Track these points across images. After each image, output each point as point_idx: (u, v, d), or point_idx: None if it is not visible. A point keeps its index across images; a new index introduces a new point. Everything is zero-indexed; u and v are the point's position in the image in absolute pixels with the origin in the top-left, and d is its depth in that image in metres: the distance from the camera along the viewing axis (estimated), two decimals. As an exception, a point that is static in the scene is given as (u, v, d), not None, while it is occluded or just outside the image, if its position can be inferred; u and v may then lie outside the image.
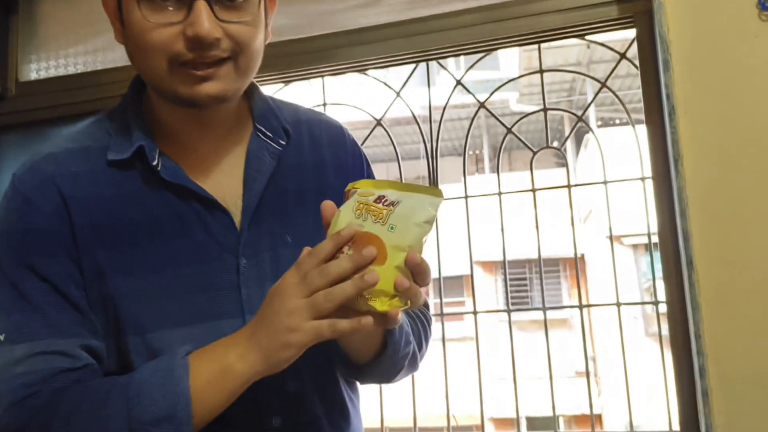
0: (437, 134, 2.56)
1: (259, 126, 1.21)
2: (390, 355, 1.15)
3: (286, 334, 0.95)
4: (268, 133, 1.21)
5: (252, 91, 1.25)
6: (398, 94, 2.69)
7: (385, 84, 2.71)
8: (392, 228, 0.98)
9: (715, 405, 1.92)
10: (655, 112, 2.20)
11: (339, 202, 1.07)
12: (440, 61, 2.59)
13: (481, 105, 2.63)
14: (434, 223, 1.00)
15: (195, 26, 1.02)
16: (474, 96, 2.68)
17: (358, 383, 1.31)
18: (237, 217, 1.14)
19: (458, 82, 2.66)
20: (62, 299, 1.06)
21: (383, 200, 1.00)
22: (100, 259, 1.07)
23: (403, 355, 1.19)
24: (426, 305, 1.32)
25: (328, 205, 1.02)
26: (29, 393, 1.00)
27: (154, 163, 1.10)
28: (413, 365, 1.26)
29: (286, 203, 1.20)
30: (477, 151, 15.85)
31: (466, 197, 2.58)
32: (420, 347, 1.27)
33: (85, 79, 2.75)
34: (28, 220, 1.08)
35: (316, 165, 1.26)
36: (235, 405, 1.02)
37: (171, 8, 1.04)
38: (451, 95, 2.65)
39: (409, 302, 0.99)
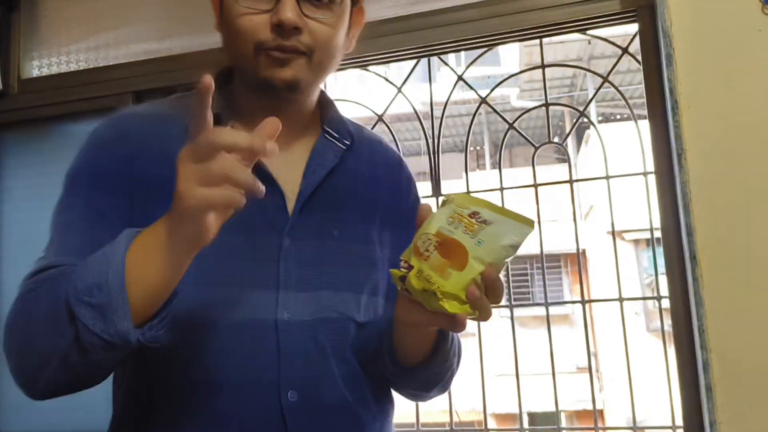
0: (439, 130, 2.56)
1: (327, 128, 1.31)
2: (438, 361, 1.21)
3: (180, 202, 0.92)
4: (335, 134, 1.31)
5: (326, 102, 1.35)
6: (399, 89, 2.69)
7: (386, 79, 2.71)
8: (480, 243, 1.02)
9: (718, 399, 1.92)
10: (658, 107, 2.20)
11: (389, 216, 1.27)
12: (441, 56, 2.59)
13: (483, 100, 2.63)
14: (518, 250, 1.04)
15: (279, 13, 1.13)
16: (475, 91, 2.68)
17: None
18: (291, 203, 1.22)
19: (459, 78, 2.65)
20: (103, 231, 1.09)
21: (477, 216, 1.04)
22: (155, 211, 1.07)
23: (447, 366, 1.25)
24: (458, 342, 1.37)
25: (426, 207, 1.09)
26: (28, 288, 1.08)
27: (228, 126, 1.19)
28: (448, 382, 1.32)
29: (338, 201, 1.27)
30: (478, 148, 15.84)
31: (468, 193, 2.57)
32: (456, 368, 1.32)
33: (87, 76, 2.75)
34: (98, 163, 1.18)
35: (371, 178, 1.35)
36: (252, 380, 1.10)
37: None
38: (452, 91, 2.65)
39: (477, 313, 1.03)
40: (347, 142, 1.31)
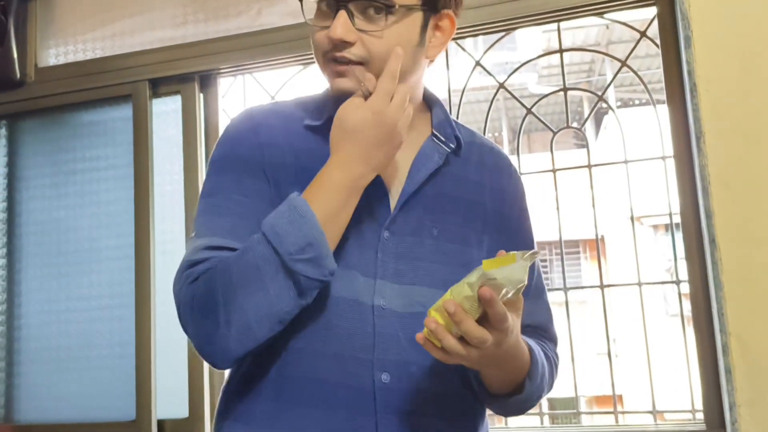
0: (456, 116, 2.54)
1: (435, 132, 1.37)
2: (524, 399, 1.26)
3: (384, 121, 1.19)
4: (442, 138, 1.37)
5: (434, 104, 1.41)
6: (416, 75, 2.67)
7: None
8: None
9: (737, 382, 1.91)
10: (677, 90, 2.18)
11: (492, 221, 1.35)
12: (458, 42, 2.57)
13: (501, 85, 2.61)
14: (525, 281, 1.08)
15: (330, 30, 1.22)
16: (493, 76, 2.66)
17: None
18: (393, 200, 1.30)
19: (477, 63, 2.64)
20: (250, 211, 1.26)
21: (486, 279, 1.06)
22: (284, 193, 1.23)
23: (534, 399, 1.31)
24: (554, 340, 1.44)
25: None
26: (201, 270, 1.20)
27: None
28: (535, 404, 1.37)
29: (440, 202, 1.33)
30: (496, 134, 15.79)
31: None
32: (548, 390, 1.37)
33: (104, 64, 2.75)
34: (239, 150, 1.32)
35: (477, 183, 1.39)
36: (350, 357, 1.21)
37: (328, 16, 1.25)
38: (470, 76, 2.63)
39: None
40: (452, 146, 1.36)
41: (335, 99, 1.28)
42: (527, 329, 1.36)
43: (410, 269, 1.27)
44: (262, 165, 1.29)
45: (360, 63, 1.23)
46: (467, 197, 1.36)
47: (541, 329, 1.40)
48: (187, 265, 1.22)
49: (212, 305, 1.16)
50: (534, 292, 1.40)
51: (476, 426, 1.32)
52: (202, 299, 1.18)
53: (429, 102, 1.41)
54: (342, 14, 1.22)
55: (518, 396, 1.25)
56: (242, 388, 1.26)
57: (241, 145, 1.32)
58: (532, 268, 1.39)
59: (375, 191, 1.26)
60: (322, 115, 1.33)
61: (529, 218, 1.48)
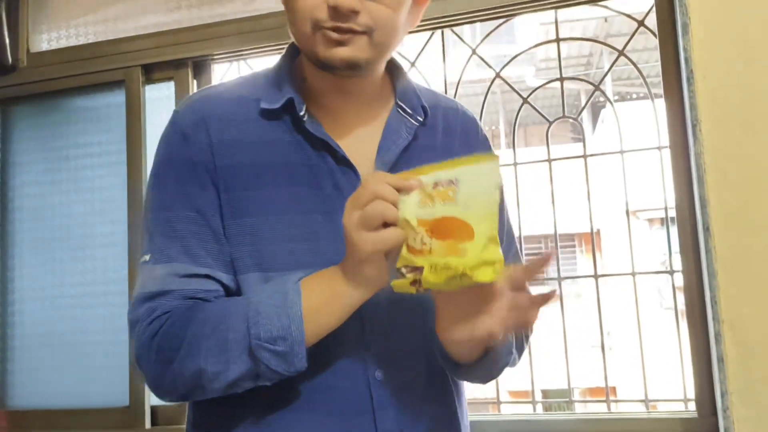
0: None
1: (400, 102, 1.30)
2: (490, 361, 1.21)
3: (354, 250, 1.05)
4: (408, 110, 1.29)
5: (396, 71, 1.34)
6: (413, 64, 2.66)
7: (400, 54, 2.68)
8: (466, 206, 1.00)
9: (730, 370, 1.91)
10: (673, 78, 2.17)
11: None
12: (456, 31, 2.56)
13: (497, 75, 2.60)
14: (501, 184, 1.02)
15: None
16: (490, 66, 2.65)
17: None
18: None
19: (473, 51, 2.62)
20: (206, 229, 1.18)
21: (442, 184, 1.02)
22: (240, 197, 1.18)
23: (502, 365, 1.27)
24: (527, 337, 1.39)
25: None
26: (164, 309, 1.13)
27: (301, 113, 1.21)
28: (504, 368, 1.32)
29: None
30: (493, 127, 15.80)
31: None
32: (519, 355, 1.35)
33: (97, 49, 2.74)
34: (184, 152, 1.20)
35: (445, 150, 1.32)
36: (343, 359, 1.15)
37: None
38: (466, 65, 2.61)
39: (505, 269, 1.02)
40: (420, 119, 1.29)
41: (322, 70, 1.19)
42: None
43: None
44: (212, 170, 1.19)
45: (364, 32, 1.15)
46: None
47: None
48: (148, 297, 1.15)
49: (172, 354, 1.10)
50: (513, 256, 1.40)
51: (461, 402, 1.31)
52: (164, 344, 1.11)
53: (390, 68, 1.33)
54: None
55: (485, 360, 1.19)
56: (221, 397, 1.17)
57: (186, 146, 1.20)
58: (501, 214, 1.36)
59: (346, 178, 1.21)
60: (280, 95, 1.23)
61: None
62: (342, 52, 1.15)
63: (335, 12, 1.12)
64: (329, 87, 1.25)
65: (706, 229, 1.96)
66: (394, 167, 1.23)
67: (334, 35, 1.14)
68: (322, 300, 1.09)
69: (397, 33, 1.21)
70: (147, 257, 1.18)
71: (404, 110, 1.29)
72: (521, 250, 2.48)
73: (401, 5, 1.18)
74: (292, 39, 1.25)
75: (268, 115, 1.23)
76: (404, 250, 1.01)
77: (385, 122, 1.28)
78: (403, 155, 1.25)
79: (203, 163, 1.19)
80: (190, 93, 2.61)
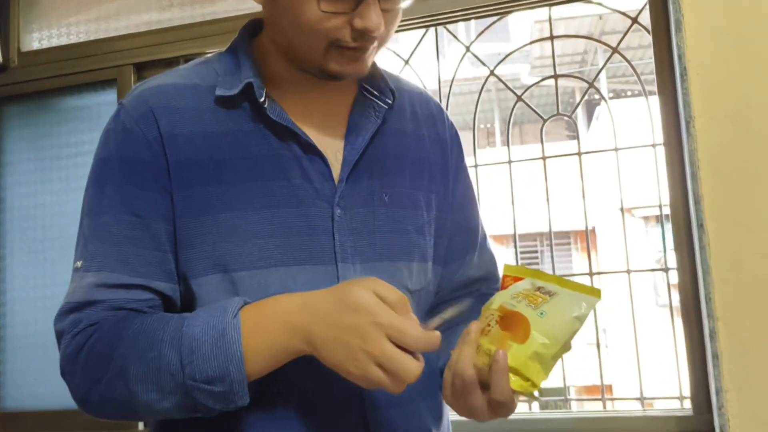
0: (446, 106, 2.52)
1: (365, 85, 1.24)
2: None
3: (348, 359, 0.96)
4: (375, 92, 1.23)
5: None
6: (407, 62, 2.65)
7: (394, 52, 2.67)
8: (542, 314, 0.98)
9: (725, 367, 1.91)
10: (667, 75, 2.17)
11: (436, 174, 1.24)
12: (450, 29, 2.55)
13: (491, 72, 2.59)
14: (584, 322, 1.00)
15: (366, 20, 1.06)
16: (484, 64, 2.64)
17: None
18: (335, 169, 1.16)
19: (467, 49, 2.61)
20: (144, 234, 1.09)
21: (542, 290, 1.02)
22: (198, 194, 1.10)
23: None
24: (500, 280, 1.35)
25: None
26: (90, 321, 1.06)
27: (261, 99, 1.13)
28: None
29: (385, 165, 1.21)
30: (488, 125, 15.80)
31: (476, 166, 2.54)
32: None
33: (88, 48, 2.73)
34: (125, 149, 1.11)
35: (416, 135, 1.28)
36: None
37: None
38: (460, 63, 2.61)
39: (538, 393, 1.00)
40: (389, 102, 1.22)
41: (312, 75, 1.13)
42: (480, 282, 1.35)
43: (368, 245, 1.16)
44: (160, 168, 1.09)
45: (377, 44, 1.12)
46: (410, 154, 1.25)
47: (491, 278, 1.37)
48: (74, 307, 1.08)
49: (99, 374, 1.03)
50: (481, 241, 1.37)
51: (445, 408, 1.28)
52: (90, 362, 1.04)
53: None
54: (374, 2, 1.06)
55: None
56: None
57: (129, 142, 1.11)
58: (475, 226, 1.36)
59: (314, 166, 1.14)
60: (237, 80, 1.14)
61: (467, 168, 1.38)
62: (358, 68, 1.12)
63: (361, 34, 1.07)
64: (298, 78, 1.18)
65: (701, 226, 1.96)
66: (365, 154, 1.18)
67: (353, 54, 1.10)
68: (264, 343, 1.00)
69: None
70: (79, 264, 1.11)
71: (370, 92, 1.23)
72: (516, 248, 2.47)
73: (400, 7, 1.13)
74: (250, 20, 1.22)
75: (225, 102, 1.14)
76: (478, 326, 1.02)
77: (350, 106, 1.23)
78: (373, 141, 1.20)
79: (146, 161, 1.09)
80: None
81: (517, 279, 1.06)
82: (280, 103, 1.16)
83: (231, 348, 0.98)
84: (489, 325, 1.00)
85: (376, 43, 1.11)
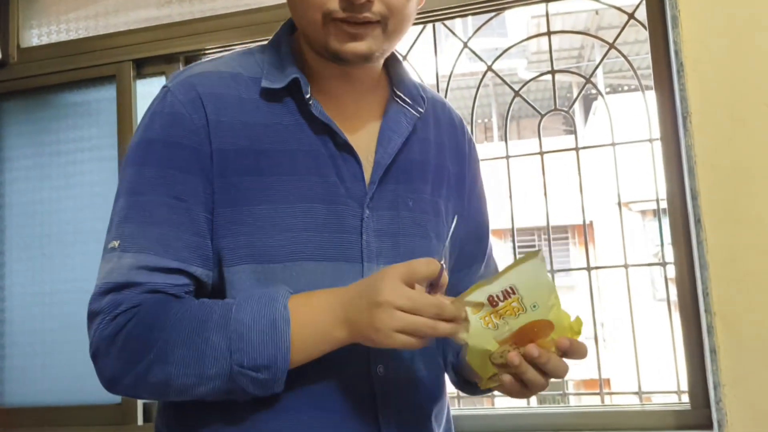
0: (443, 100, 2.52)
1: (397, 91, 1.26)
2: None
3: (372, 329, 1.00)
4: (407, 99, 1.25)
5: (392, 59, 1.29)
6: (404, 57, 2.65)
7: (392, 48, 2.67)
8: (534, 306, 1.01)
9: (722, 362, 1.91)
10: (664, 71, 2.17)
11: (453, 183, 1.29)
12: (448, 25, 2.55)
13: (489, 68, 2.59)
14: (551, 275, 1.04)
15: None
16: (481, 59, 2.65)
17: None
18: (367, 171, 1.18)
19: (465, 45, 2.62)
20: (185, 218, 1.09)
21: (499, 298, 1.02)
22: (237, 183, 1.11)
23: None
24: None
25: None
26: (131, 303, 1.06)
27: (308, 96, 1.15)
28: None
29: (411, 170, 1.24)
30: (486, 120, 15.81)
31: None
32: None
33: (88, 44, 2.73)
34: (172, 133, 1.11)
35: (437, 143, 1.31)
36: (345, 353, 1.08)
37: None
38: (458, 58, 2.61)
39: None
40: (421, 110, 1.26)
41: (328, 60, 1.15)
42: None
43: (391, 246, 1.18)
44: (204, 154, 1.10)
45: (378, 22, 1.10)
46: (433, 161, 1.28)
47: None
48: (113, 287, 1.08)
49: (139, 357, 1.04)
50: (489, 252, 1.42)
51: (446, 401, 1.30)
52: (130, 344, 1.04)
53: (387, 58, 1.27)
54: None
55: None
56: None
57: (177, 125, 1.11)
58: (485, 236, 1.41)
59: (347, 166, 1.16)
60: (283, 75, 1.16)
61: (483, 182, 1.43)
62: (356, 47, 1.11)
63: (349, 3, 1.07)
64: (330, 72, 1.20)
65: (698, 221, 1.96)
66: (395, 158, 1.21)
67: (349, 28, 1.09)
68: (311, 335, 1.04)
69: (409, 19, 1.17)
70: (116, 243, 1.09)
71: (403, 100, 1.25)
72: (514, 242, 2.48)
73: None
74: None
75: (269, 95, 1.16)
76: (488, 364, 1.04)
77: (383, 111, 1.25)
78: (403, 146, 1.22)
79: (192, 145, 1.10)
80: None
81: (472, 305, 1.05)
82: (318, 101, 1.18)
83: (281, 338, 1.01)
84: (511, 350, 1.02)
85: (374, 19, 1.10)
